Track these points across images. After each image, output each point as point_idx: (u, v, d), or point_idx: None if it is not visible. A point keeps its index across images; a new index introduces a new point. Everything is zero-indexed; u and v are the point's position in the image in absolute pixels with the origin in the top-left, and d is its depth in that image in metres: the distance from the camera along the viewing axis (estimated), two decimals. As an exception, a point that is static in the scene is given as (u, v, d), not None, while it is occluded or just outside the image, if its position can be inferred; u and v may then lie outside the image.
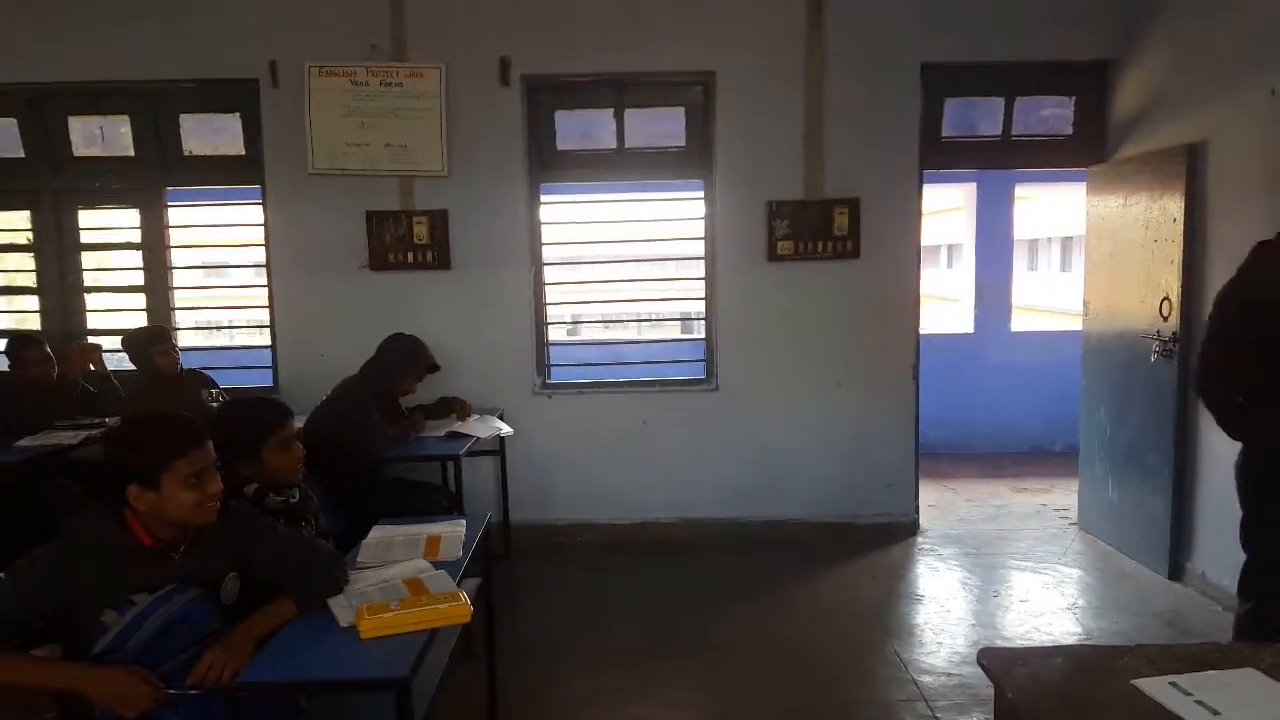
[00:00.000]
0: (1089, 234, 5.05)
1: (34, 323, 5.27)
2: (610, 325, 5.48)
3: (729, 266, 5.01)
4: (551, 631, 3.95)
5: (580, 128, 5.13)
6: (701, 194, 5.10)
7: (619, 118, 5.05)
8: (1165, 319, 4.31)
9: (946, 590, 4.39)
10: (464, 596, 2.12)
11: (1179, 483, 4.30)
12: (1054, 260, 27.12)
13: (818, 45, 4.82)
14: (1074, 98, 5.10)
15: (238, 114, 5.05)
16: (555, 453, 5.10)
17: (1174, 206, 4.26)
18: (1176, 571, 4.35)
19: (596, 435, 5.11)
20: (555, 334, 5.38)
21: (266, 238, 5.04)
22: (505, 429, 4.59)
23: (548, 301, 5.20)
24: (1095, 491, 5.04)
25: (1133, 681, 1.53)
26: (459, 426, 4.40)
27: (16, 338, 4.67)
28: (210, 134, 5.16)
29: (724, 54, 4.85)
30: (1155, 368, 4.37)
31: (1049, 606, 4.13)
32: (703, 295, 5.17)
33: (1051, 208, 20.94)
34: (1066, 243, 25.58)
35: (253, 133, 5.02)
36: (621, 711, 3.23)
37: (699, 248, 5.13)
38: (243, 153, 5.09)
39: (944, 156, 5.12)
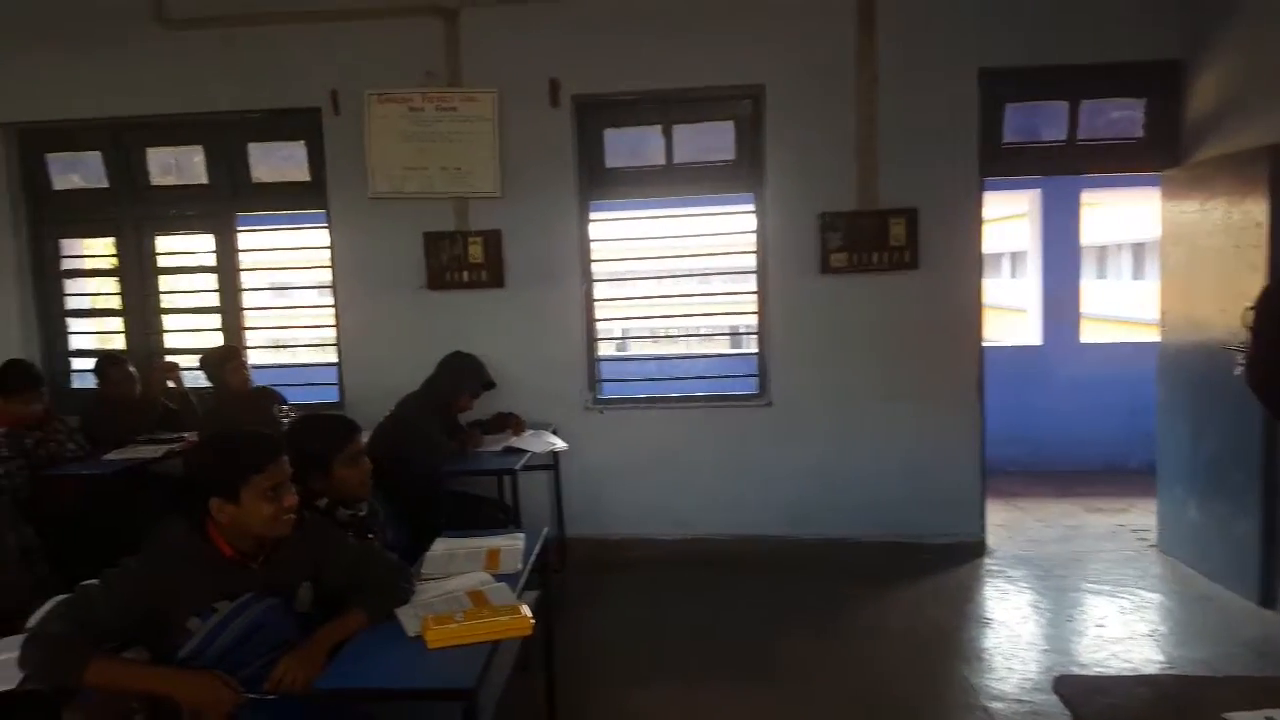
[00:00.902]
0: (1164, 240, 4.87)
1: (118, 342, 5.53)
2: (661, 340, 5.52)
3: (781, 280, 5.02)
4: (608, 646, 3.98)
5: (629, 145, 5.22)
6: (752, 207, 5.13)
7: (667, 134, 5.12)
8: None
9: (1017, 614, 4.25)
10: (525, 609, 2.19)
11: (1269, 502, 4.07)
12: (1125, 268, 26.35)
13: (869, 53, 4.82)
14: (1144, 100, 4.96)
15: (302, 142, 5.25)
16: (608, 467, 5.15)
17: (1257, 210, 4.07)
18: (1268, 598, 4.09)
19: (648, 450, 5.15)
20: (606, 350, 5.44)
21: (331, 260, 5.23)
22: (559, 444, 4.67)
23: (598, 318, 5.27)
24: (1176, 511, 4.81)
25: (1224, 715, 1.45)
26: (514, 441, 4.50)
27: (103, 357, 4.92)
28: (277, 162, 5.38)
29: (773, 66, 4.88)
30: (1239, 380, 4.19)
31: (1128, 632, 3.94)
32: (754, 309, 5.19)
33: (1121, 213, 20.38)
34: (1138, 249, 24.85)
35: (317, 159, 5.21)
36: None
37: (750, 261, 5.16)
38: (308, 179, 5.29)
39: (1005, 163, 5.04)
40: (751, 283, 5.17)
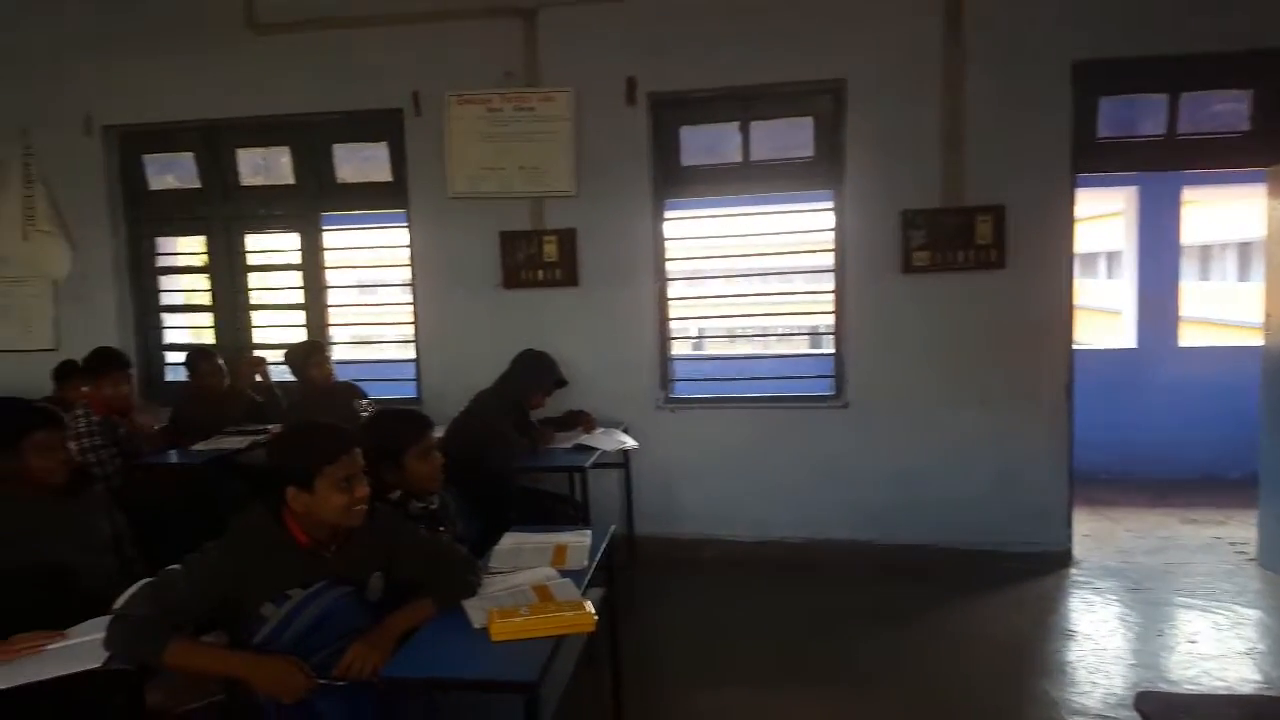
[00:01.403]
0: (1270, 239, 4.60)
1: (209, 337, 5.74)
2: (736, 340, 5.47)
3: (860, 279, 4.92)
4: (675, 646, 3.95)
5: (705, 142, 5.17)
6: (831, 204, 5.04)
7: (745, 130, 5.06)
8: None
9: (1103, 626, 4.08)
10: (588, 605, 2.19)
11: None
12: (1230, 269, 25.07)
13: (956, 45, 4.68)
14: (1250, 91, 4.68)
15: (385, 143, 5.36)
16: (679, 467, 5.12)
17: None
18: (1373, 617, 3.87)
19: (721, 450, 5.10)
20: (680, 349, 5.42)
21: (411, 258, 5.33)
22: (629, 442, 4.66)
23: (671, 317, 5.25)
24: (1278, 524, 4.57)
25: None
26: (584, 439, 4.51)
27: (194, 351, 5.11)
28: (360, 162, 5.50)
29: (855, 60, 4.78)
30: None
31: (1222, 650, 3.75)
32: (832, 309, 5.10)
33: (1227, 211, 19.40)
34: (1244, 249, 23.62)
35: (398, 160, 5.31)
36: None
37: (828, 260, 5.07)
38: (389, 179, 5.39)
39: (1100, 159, 4.82)
40: (829, 282, 5.08)
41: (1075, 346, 4.84)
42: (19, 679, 2.03)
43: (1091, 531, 5.37)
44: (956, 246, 4.76)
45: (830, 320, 5.14)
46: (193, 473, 4.29)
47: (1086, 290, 12.73)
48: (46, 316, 5.63)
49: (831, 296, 5.08)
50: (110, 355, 4.42)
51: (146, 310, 5.79)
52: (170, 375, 5.82)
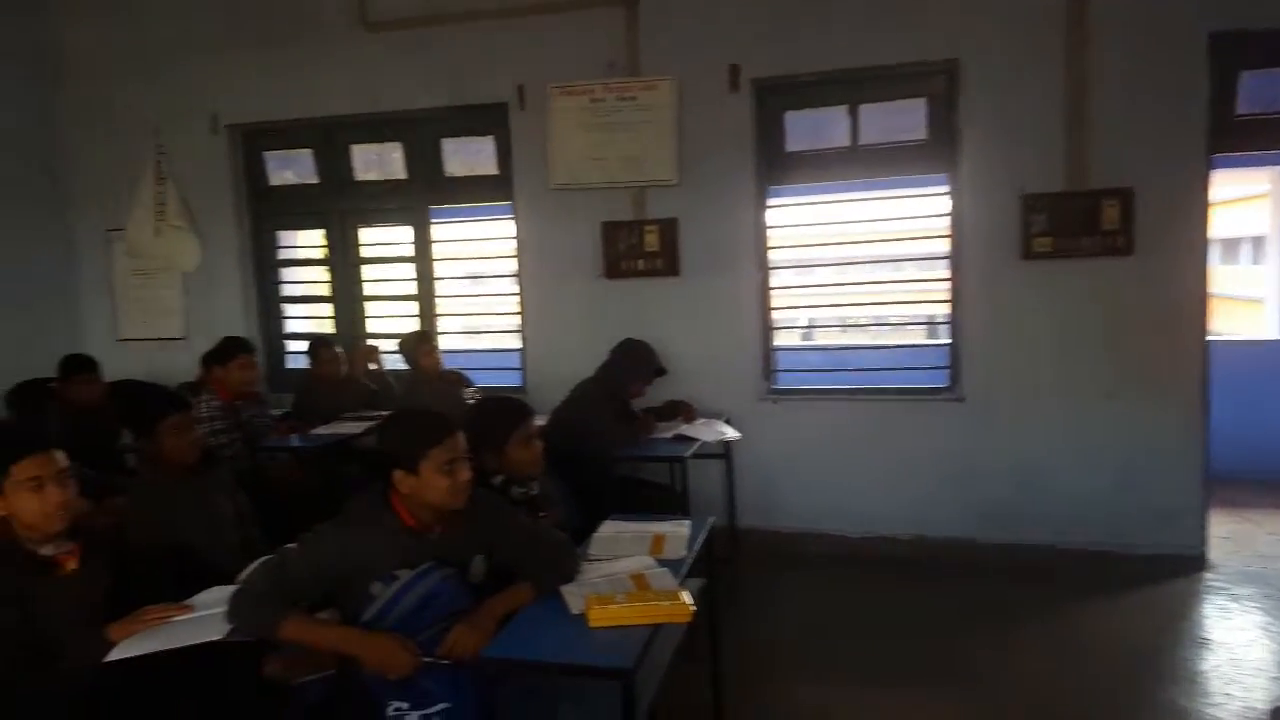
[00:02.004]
0: None
1: (327, 327, 5.96)
2: (846, 330, 5.34)
3: (977, 266, 4.72)
4: (777, 640, 3.90)
5: (811, 127, 5.05)
6: (945, 189, 4.85)
7: (853, 114, 4.92)
8: None
9: (1241, 635, 3.80)
10: (685, 596, 2.17)
11: None
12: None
13: (1080, 19, 4.42)
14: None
15: (491, 136, 5.45)
16: (783, 459, 5.03)
17: None
18: None
19: (827, 443, 4.99)
20: (785, 339, 5.32)
21: (516, 249, 5.41)
22: (731, 433, 4.61)
23: (775, 306, 5.16)
24: None
25: None
26: (685, 429, 4.49)
27: (314, 340, 5.33)
28: (468, 156, 5.61)
29: (970, 38, 4.58)
30: None
31: None
32: (946, 298, 4.92)
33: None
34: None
35: (504, 153, 5.39)
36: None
37: (943, 246, 4.88)
38: (495, 172, 5.48)
39: (1240, 138, 4.48)
40: (943, 269, 4.90)
41: (1211, 337, 4.53)
42: (149, 648, 2.15)
43: (1230, 534, 5.02)
44: (1080, 232, 4.51)
45: (945, 309, 4.96)
46: (311, 456, 4.48)
47: (1225, 278, 11.92)
48: (177, 307, 5.98)
49: (946, 285, 4.90)
50: (236, 342, 4.65)
51: (269, 301, 6.07)
52: (291, 363, 6.09)
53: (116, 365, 5.42)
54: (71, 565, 2.28)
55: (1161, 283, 4.45)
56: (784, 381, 5.22)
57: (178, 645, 2.15)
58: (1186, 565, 4.50)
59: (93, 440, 4.21)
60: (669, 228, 5.05)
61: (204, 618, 2.26)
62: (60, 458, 2.28)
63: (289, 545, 2.27)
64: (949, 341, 4.95)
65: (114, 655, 2.14)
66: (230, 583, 2.27)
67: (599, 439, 4.14)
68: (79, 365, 4.72)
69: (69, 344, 5.47)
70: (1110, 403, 4.57)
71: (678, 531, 2.72)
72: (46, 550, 2.25)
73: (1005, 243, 4.63)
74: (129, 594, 2.39)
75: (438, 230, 5.73)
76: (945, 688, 3.42)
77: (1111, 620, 4.02)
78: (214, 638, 2.15)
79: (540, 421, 3.04)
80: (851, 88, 4.89)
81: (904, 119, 4.89)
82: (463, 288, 5.79)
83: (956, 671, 3.55)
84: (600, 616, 2.08)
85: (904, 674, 3.55)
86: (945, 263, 4.89)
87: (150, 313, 6.04)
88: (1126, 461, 4.57)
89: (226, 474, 3.32)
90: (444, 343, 5.52)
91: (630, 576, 2.31)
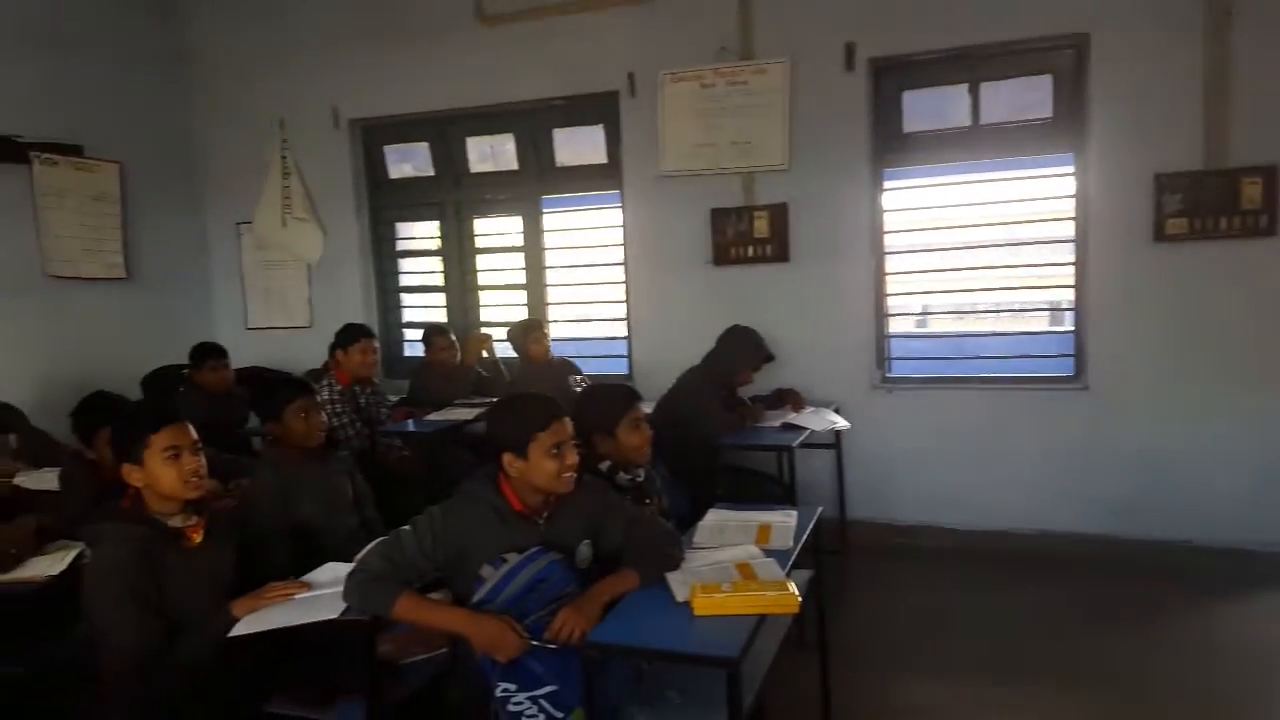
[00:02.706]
0: None
1: (441, 316, 6.12)
2: (963, 317, 5.14)
3: (1104, 249, 4.49)
4: (887, 634, 3.81)
5: (930, 107, 4.88)
6: (1071, 169, 4.62)
7: (974, 92, 4.73)
8: None
9: (1397, 648, 3.52)
10: (792, 586, 2.13)
11: None
12: None
13: (1222, -11, 4.15)
14: None
15: (601, 125, 5.48)
16: (895, 450, 4.91)
17: None
18: None
19: (942, 433, 4.83)
20: (899, 326, 5.18)
21: (624, 238, 5.43)
22: (841, 423, 4.51)
23: (890, 292, 5.03)
24: None
25: None
26: (793, 418, 4.41)
27: (430, 328, 5.48)
28: (578, 145, 5.65)
29: (1100, 10, 4.34)
30: None
31: None
32: (1071, 283, 4.69)
33: None
34: None
35: (613, 142, 5.42)
36: (966, 729, 3.04)
37: (1067, 229, 4.65)
38: (605, 161, 5.51)
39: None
40: (1068, 253, 4.66)
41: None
42: (269, 624, 2.25)
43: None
44: (1218, 212, 4.25)
45: (1069, 295, 4.73)
46: (424, 441, 4.61)
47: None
48: (302, 297, 6.24)
49: (1070, 269, 4.67)
50: (358, 327, 4.83)
51: (387, 291, 6.27)
52: (408, 351, 6.28)
53: (245, 353, 5.72)
54: (198, 539, 2.41)
55: (1309, 265, 4.14)
56: (898, 370, 5.09)
57: (297, 622, 2.24)
58: (1336, 567, 4.19)
59: (221, 424, 4.46)
60: (779, 213, 4.97)
61: (322, 596, 2.35)
62: (193, 430, 2.41)
63: (403, 527, 2.34)
64: (1072, 329, 4.73)
65: (237, 631, 2.25)
66: (348, 562, 2.34)
67: (705, 427, 4.12)
68: (209, 353, 5.00)
69: (201, 332, 5.80)
70: (1248, 393, 4.31)
71: (785, 521, 2.68)
72: (175, 522, 2.38)
73: (1135, 224, 4.40)
74: (251, 572, 2.52)
75: (548, 220, 5.81)
76: (1061, 688, 3.28)
77: (1248, 621, 3.79)
78: (330, 616, 2.23)
79: (646, 409, 3.03)
80: (973, 65, 4.71)
81: (1028, 96, 4.69)
82: (572, 276, 5.85)
83: (1074, 672, 3.40)
84: (706, 605, 2.06)
85: (1017, 672, 3.42)
86: (1069, 246, 4.66)
87: (277, 302, 6.33)
88: (1265, 455, 4.30)
89: (347, 457, 3.46)
90: (553, 331, 5.59)
91: (736, 566, 2.28)
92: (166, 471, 2.32)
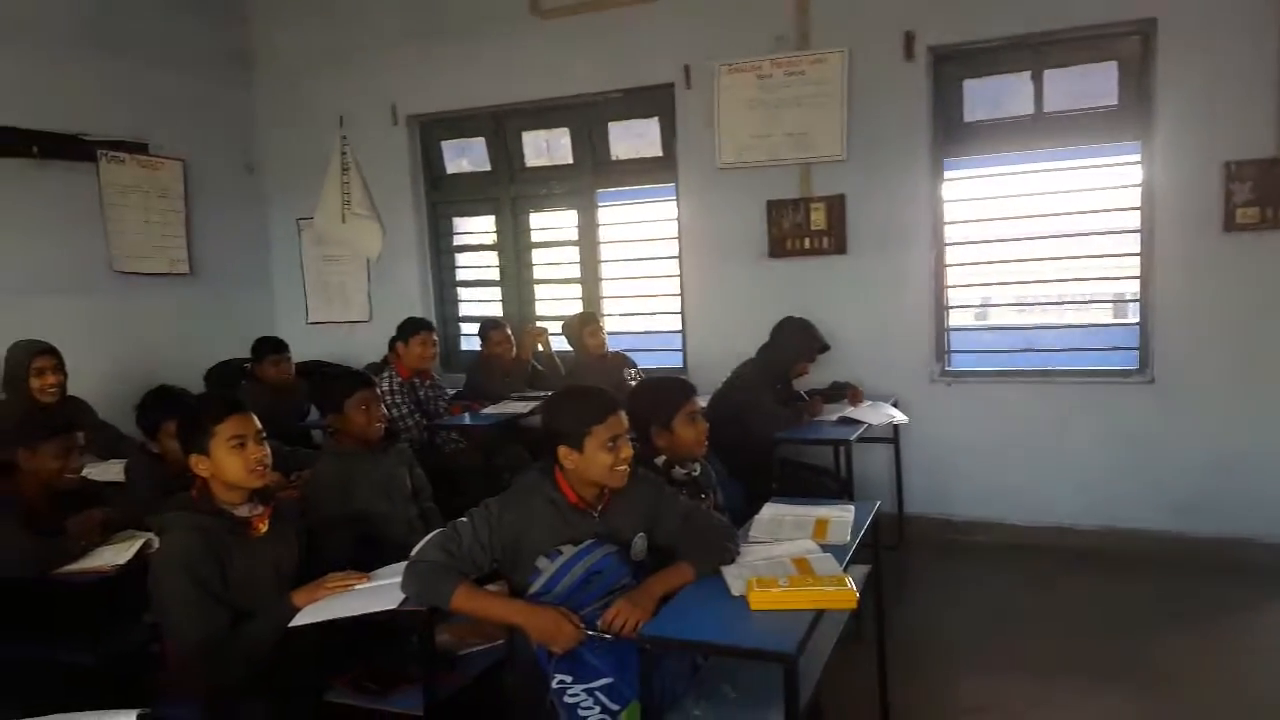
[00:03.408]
0: None
1: (496, 310, 6.17)
2: (1025, 309, 5.04)
3: (1172, 239, 4.37)
4: (945, 630, 3.76)
5: (992, 95, 4.79)
6: (1137, 157, 4.50)
7: (1037, 80, 4.63)
8: None
9: None
10: (849, 582, 2.11)
11: None
12: None
13: (1297, -33, 4.00)
14: None
15: (656, 118, 5.47)
16: (955, 444, 4.83)
17: None
18: None
19: (1003, 428, 4.75)
20: (960, 318, 5.10)
21: (678, 230, 5.42)
22: (899, 416, 4.46)
23: (950, 284, 4.94)
24: None
25: None
26: (850, 412, 4.37)
27: (486, 322, 5.53)
28: (633, 139, 5.65)
29: (1169, -5, 4.23)
30: None
31: None
32: (1136, 274, 4.56)
33: None
34: None
35: (668, 134, 5.41)
36: (1026, 727, 2.98)
37: (1132, 219, 4.53)
38: (660, 154, 5.51)
39: None
40: (1133, 243, 4.54)
41: None
42: (329, 614, 2.29)
43: None
44: (1293, 200, 4.09)
45: (1134, 287, 4.60)
46: (480, 434, 4.66)
47: None
48: (362, 291, 6.35)
49: (1135, 260, 4.55)
50: (415, 321, 4.90)
51: (444, 285, 6.35)
52: (465, 345, 6.35)
53: (306, 347, 5.83)
54: (263, 528, 2.46)
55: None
56: (958, 363, 5.01)
57: (356, 613, 2.27)
58: None
59: (282, 418, 4.55)
60: (836, 204, 4.92)
61: (381, 587, 2.38)
62: (257, 420, 2.47)
63: (460, 519, 2.36)
64: (1137, 321, 4.61)
65: (298, 621, 2.29)
66: (406, 554, 2.38)
67: (760, 421, 4.10)
68: (271, 347, 5.10)
69: (263, 327, 5.92)
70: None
71: (842, 516, 2.65)
72: (241, 512, 2.43)
73: (1204, 214, 4.28)
74: (312, 562, 2.57)
75: (603, 213, 5.82)
76: (1122, 687, 3.22)
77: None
78: (389, 606, 2.25)
79: (701, 403, 3.02)
80: (1036, 52, 4.61)
81: (1092, 84, 4.58)
82: (626, 270, 5.86)
83: (1136, 670, 3.34)
84: (762, 599, 2.05)
85: (1078, 670, 3.35)
86: (1135, 236, 4.55)
87: (337, 297, 6.45)
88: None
89: (405, 449, 3.51)
90: (608, 325, 5.60)
91: (792, 560, 2.27)
92: (232, 460, 2.37)
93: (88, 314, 5.25)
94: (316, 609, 2.32)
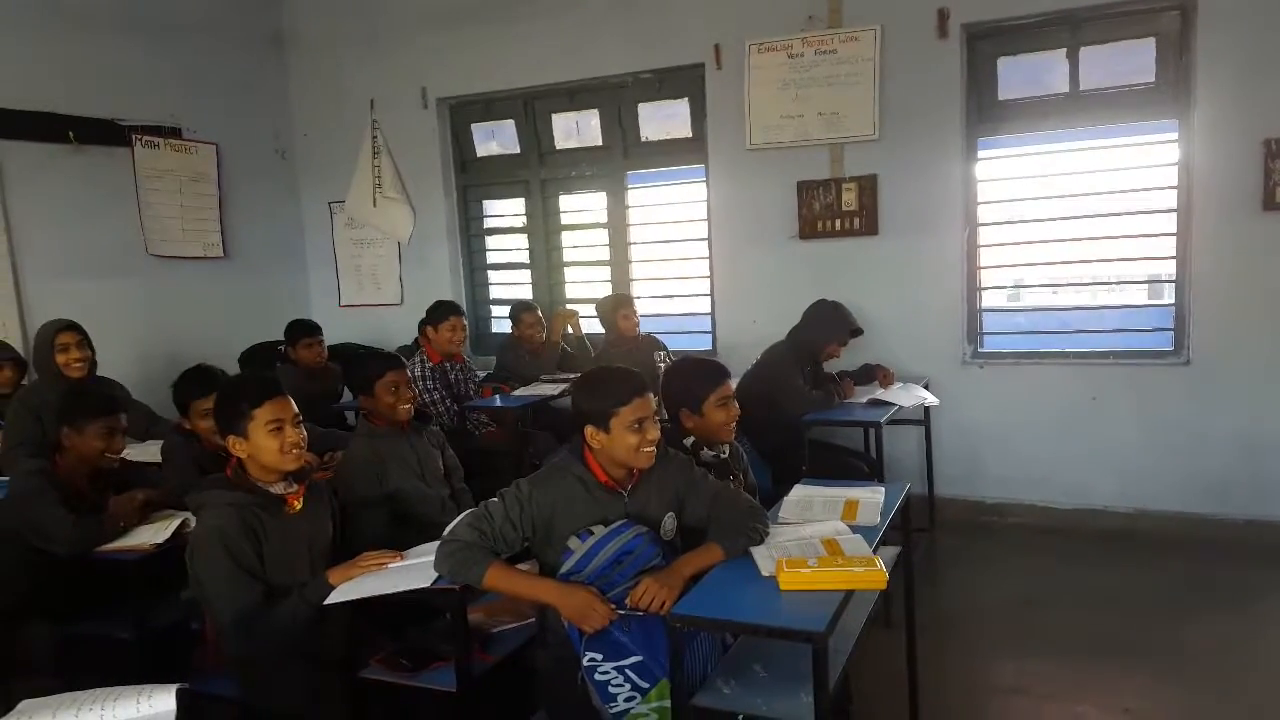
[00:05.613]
0: None
1: (526, 292, 6.20)
2: (1058, 290, 4.98)
3: (1209, 219, 4.29)
4: (976, 612, 3.76)
5: (1026, 73, 4.71)
6: (1175, 135, 4.42)
7: (1073, 57, 4.55)
8: None
9: None
10: (879, 563, 2.11)
11: None
12: None
13: (1343, -61, 3.90)
14: None
15: (686, 99, 5.45)
16: (986, 426, 4.80)
17: None
18: None
19: (1035, 410, 4.71)
20: (992, 300, 5.05)
21: (708, 212, 5.40)
22: (930, 398, 4.44)
23: (982, 265, 4.89)
24: None
25: None
26: (881, 394, 4.36)
27: (517, 304, 5.54)
28: (663, 120, 5.63)
29: (1209, -29, 4.13)
30: None
31: None
32: (1171, 254, 4.49)
33: None
34: None
35: (698, 115, 5.39)
36: (1058, 708, 2.98)
37: (1169, 198, 4.45)
38: (689, 135, 5.49)
39: None
40: (1170, 223, 4.47)
41: None
42: (363, 592, 2.33)
43: None
44: (1337, 179, 4.00)
45: (1170, 267, 4.53)
46: (511, 416, 4.69)
47: None
48: (393, 274, 6.40)
49: (1172, 240, 4.48)
50: (445, 305, 4.93)
51: (474, 268, 6.39)
52: (495, 328, 6.39)
53: (338, 330, 5.89)
54: (299, 505, 2.50)
55: None
56: (990, 344, 4.97)
57: (390, 591, 2.31)
58: None
59: (315, 399, 4.58)
60: (868, 185, 4.88)
61: (414, 566, 2.41)
62: (294, 404, 2.51)
63: (492, 499, 2.39)
64: (1173, 301, 4.55)
65: (332, 599, 2.34)
66: (438, 534, 2.41)
67: (791, 402, 4.10)
68: (304, 330, 5.16)
69: (296, 310, 6.00)
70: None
71: (872, 498, 2.65)
72: (277, 489, 2.48)
73: (1243, 193, 4.20)
74: (346, 541, 2.61)
75: (633, 195, 5.81)
76: (1155, 671, 3.20)
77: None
78: (423, 585, 2.29)
79: (732, 385, 3.02)
80: (1071, 29, 4.54)
81: (1129, 61, 4.51)
82: (656, 252, 5.85)
83: (1177, 650, 3.32)
84: (791, 580, 2.06)
85: (1109, 653, 3.34)
86: (1171, 216, 4.48)
87: (369, 280, 6.51)
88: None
89: (437, 431, 3.55)
90: (640, 307, 5.60)
91: (822, 541, 2.27)
92: (269, 443, 2.41)
93: (124, 297, 5.35)
94: (350, 587, 2.36)
